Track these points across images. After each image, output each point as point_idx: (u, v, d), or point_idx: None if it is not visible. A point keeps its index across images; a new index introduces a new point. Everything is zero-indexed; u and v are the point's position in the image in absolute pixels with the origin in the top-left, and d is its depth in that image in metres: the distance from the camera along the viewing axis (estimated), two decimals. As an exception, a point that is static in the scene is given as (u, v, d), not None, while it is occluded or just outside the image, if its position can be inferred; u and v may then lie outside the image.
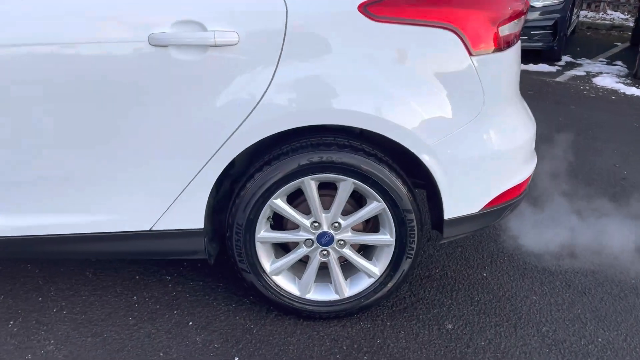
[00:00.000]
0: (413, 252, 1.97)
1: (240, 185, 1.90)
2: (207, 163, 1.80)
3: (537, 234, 2.74)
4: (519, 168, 2.04)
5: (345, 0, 1.71)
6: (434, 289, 2.31)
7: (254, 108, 1.74)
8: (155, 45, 1.67)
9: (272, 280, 2.00)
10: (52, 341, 1.92)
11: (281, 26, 1.70)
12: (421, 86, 1.79)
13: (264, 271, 1.99)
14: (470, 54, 1.78)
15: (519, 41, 2.03)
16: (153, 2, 1.69)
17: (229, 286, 2.25)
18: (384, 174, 1.85)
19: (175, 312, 2.10)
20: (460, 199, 1.94)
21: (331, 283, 2.04)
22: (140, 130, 1.77)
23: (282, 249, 2.12)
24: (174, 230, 1.91)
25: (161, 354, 1.89)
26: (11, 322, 2.01)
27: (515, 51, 1.96)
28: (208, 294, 2.20)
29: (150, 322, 2.03)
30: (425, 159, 1.83)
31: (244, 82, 1.73)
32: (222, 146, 1.78)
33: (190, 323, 2.04)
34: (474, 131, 1.87)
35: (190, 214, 1.89)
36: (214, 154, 1.79)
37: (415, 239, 1.95)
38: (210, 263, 2.03)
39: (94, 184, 1.83)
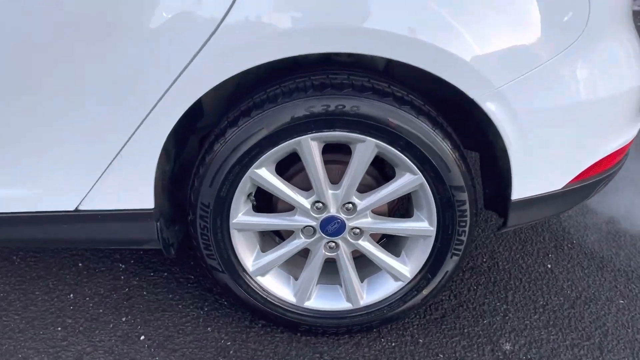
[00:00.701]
0: (462, 248, 1.34)
1: (206, 148, 1.27)
2: (147, 116, 1.17)
3: (618, 211, 2.08)
4: (625, 124, 1.37)
5: None
6: (482, 288, 1.69)
7: (217, 27, 1.08)
8: None
9: (256, 282, 1.40)
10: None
11: None
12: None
13: (244, 270, 1.38)
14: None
15: None
16: None
17: (202, 279, 1.66)
18: (425, 132, 1.20)
19: (124, 318, 1.51)
20: (539, 172, 1.29)
21: (341, 286, 1.43)
22: (37, 69, 1.13)
23: (278, 236, 1.51)
24: (109, 211, 1.30)
25: (95, 388, 1.32)
26: None
27: None
28: (173, 291, 1.61)
29: (86, 335, 1.45)
30: (490, 109, 1.17)
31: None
32: (169, 88, 1.14)
33: (143, 337, 1.46)
34: (568, 66, 1.19)
35: (129, 190, 1.27)
36: (158, 102, 1.15)
37: (467, 228, 1.32)
38: (169, 255, 1.42)
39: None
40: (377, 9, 1.09)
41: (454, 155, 1.23)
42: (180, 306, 1.56)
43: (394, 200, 1.37)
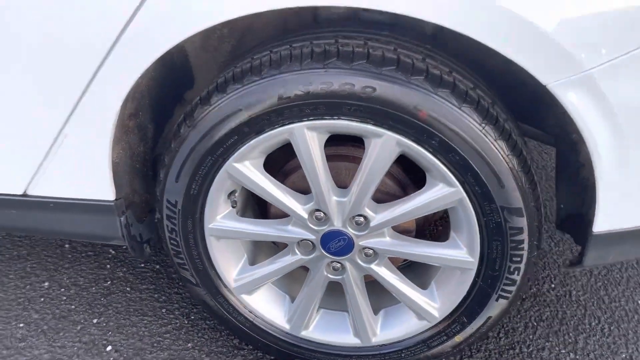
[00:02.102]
0: (513, 290, 0.97)
1: (174, 131, 0.96)
2: (88, 86, 0.87)
3: None
4: None
5: None
6: (545, 325, 1.30)
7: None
8: None
9: (239, 301, 1.10)
10: None
11: None
12: None
13: (224, 285, 1.08)
14: None
15: None
16: None
17: (197, 278, 1.39)
18: (469, 128, 0.83)
19: (95, 320, 1.28)
20: (636, 195, 0.88)
21: (349, 314, 1.10)
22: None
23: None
24: (59, 199, 1.04)
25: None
26: None
27: None
28: (160, 290, 1.36)
29: (48, 337, 1.23)
30: (572, 101, 0.77)
31: None
32: (110, 50, 0.83)
33: (110, 348, 1.21)
34: None
35: (80, 176, 1.00)
36: (98, 69, 0.85)
37: (522, 265, 0.94)
38: (141, 257, 1.15)
39: None
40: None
41: (511, 164, 0.85)
42: (163, 310, 1.30)
43: (428, 216, 1.01)
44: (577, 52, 0.74)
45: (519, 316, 1.33)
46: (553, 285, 1.42)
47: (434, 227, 1.37)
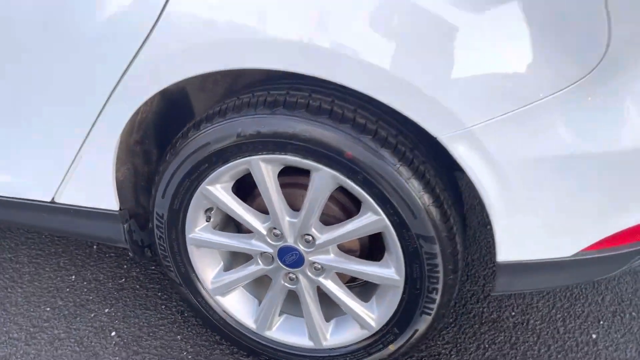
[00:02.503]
0: (433, 308, 1.13)
1: (163, 157, 1.20)
2: (96, 119, 1.13)
3: None
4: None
5: None
6: (495, 348, 1.43)
7: (148, 34, 1.00)
8: None
9: (214, 301, 1.32)
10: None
11: None
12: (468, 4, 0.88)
13: (203, 287, 1.30)
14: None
15: None
16: None
17: (197, 282, 1.61)
18: (385, 168, 1.01)
19: (106, 310, 1.53)
20: (533, 234, 1.03)
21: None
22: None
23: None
24: (78, 207, 1.30)
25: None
26: None
27: None
28: (164, 289, 1.59)
29: (67, 321, 1.49)
30: (460, 152, 0.95)
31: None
32: (113, 91, 1.08)
33: (114, 334, 1.46)
34: (575, 106, 0.92)
35: (93, 190, 1.26)
36: (102, 109, 1.10)
37: (439, 286, 1.10)
38: (140, 258, 1.40)
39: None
40: (322, 23, 0.92)
41: (422, 200, 1.02)
42: (163, 307, 1.54)
43: (373, 236, 1.19)
44: (459, 111, 0.91)
45: (473, 338, 1.46)
46: (514, 313, 1.54)
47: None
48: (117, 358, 1.39)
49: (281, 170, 1.12)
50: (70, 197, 1.29)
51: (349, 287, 1.25)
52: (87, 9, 1.04)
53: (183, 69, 1.02)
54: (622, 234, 1.04)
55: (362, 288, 1.28)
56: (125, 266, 1.68)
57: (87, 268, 1.67)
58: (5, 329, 1.46)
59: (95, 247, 1.76)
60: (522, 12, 0.87)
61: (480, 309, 1.55)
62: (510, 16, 0.87)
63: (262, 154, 1.07)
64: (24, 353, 1.41)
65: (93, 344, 1.43)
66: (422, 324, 1.16)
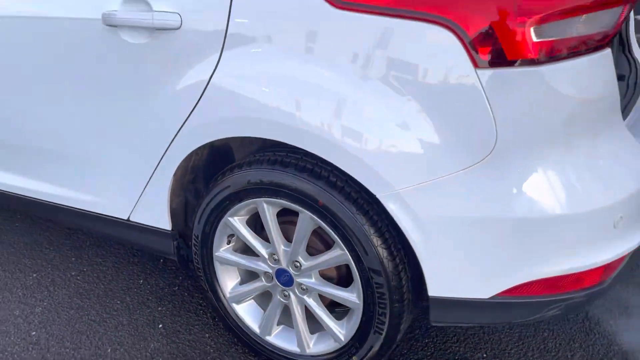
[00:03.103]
0: (383, 329, 1.44)
1: (202, 194, 1.65)
2: (159, 162, 1.60)
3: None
4: (574, 249, 1.29)
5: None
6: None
7: (194, 108, 1.46)
8: (110, 26, 1.51)
9: (231, 307, 1.71)
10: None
11: (225, 9, 1.36)
12: (394, 103, 1.24)
13: (224, 295, 1.71)
14: (476, 65, 1.15)
15: (607, 50, 1.24)
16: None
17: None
18: (348, 215, 1.37)
19: (160, 308, 1.98)
20: (455, 274, 1.33)
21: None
22: (110, 109, 1.65)
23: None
24: (144, 225, 1.77)
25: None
26: (34, 274, 2.18)
27: (575, 69, 1.20)
28: (204, 300, 2.02)
29: (127, 313, 1.96)
30: (392, 208, 1.29)
31: (182, 77, 1.46)
32: (169, 146, 1.55)
33: (160, 326, 1.90)
34: (474, 182, 1.23)
35: (155, 214, 1.72)
36: (164, 154, 1.58)
37: (387, 311, 1.42)
38: (185, 269, 1.83)
39: (73, 163, 1.81)
40: (298, 111, 1.32)
41: (374, 241, 1.36)
42: (201, 312, 1.96)
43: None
44: (390, 178, 1.26)
45: None
46: (485, 355, 1.78)
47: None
48: (158, 344, 1.82)
49: (281, 210, 1.52)
50: (139, 217, 1.77)
51: (338, 310, 1.60)
52: (157, 88, 1.52)
53: (210, 133, 1.46)
54: (531, 284, 1.31)
55: (345, 311, 1.61)
56: (180, 277, 2.13)
57: (152, 276, 2.15)
58: (86, 312, 1.96)
59: (162, 260, 2.24)
60: (437, 114, 1.22)
61: (457, 348, 1.80)
62: (428, 119, 1.22)
63: (264, 197, 1.48)
64: (95, 332, 1.88)
65: (145, 331, 1.87)
66: (376, 342, 1.47)
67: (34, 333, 1.87)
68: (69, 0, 1.60)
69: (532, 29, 1.12)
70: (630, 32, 1.59)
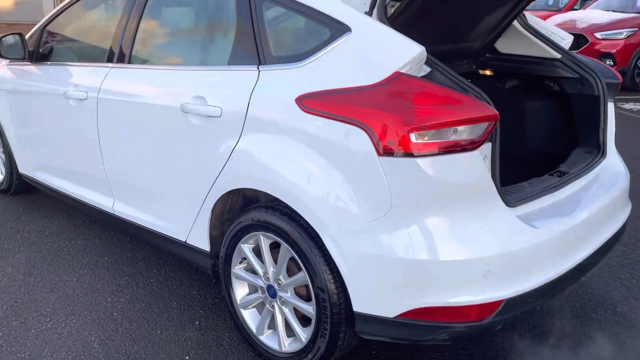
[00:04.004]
0: (327, 334, 2.02)
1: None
2: (204, 200, 2.37)
3: None
4: (450, 288, 1.80)
5: (289, 93, 2.00)
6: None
7: (223, 167, 2.22)
8: (183, 112, 2.35)
9: (239, 311, 2.38)
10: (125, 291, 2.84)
11: (243, 107, 2.13)
12: (333, 174, 1.89)
13: (236, 302, 2.39)
14: (379, 153, 1.78)
15: (476, 152, 1.79)
16: (182, 86, 2.39)
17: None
18: (306, 246, 2.00)
19: (200, 311, 2.70)
20: (369, 296, 1.89)
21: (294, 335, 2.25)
22: (178, 163, 2.47)
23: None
24: (193, 246, 2.54)
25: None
26: (124, 276, 3.02)
27: (447, 162, 1.76)
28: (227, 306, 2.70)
29: (180, 313, 2.71)
30: (329, 245, 1.91)
31: (218, 146, 2.23)
32: (209, 190, 2.32)
33: (197, 322, 2.61)
34: (380, 231, 1.82)
35: (199, 238, 2.48)
36: (207, 195, 2.34)
37: (329, 320, 2.00)
38: (218, 282, 2.55)
39: (156, 199, 2.66)
40: (274, 173, 2.02)
41: (322, 268, 1.97)
42: (228, 317, 2.64)
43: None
44: (327, 223, 1.89)
45: (388, 386, 2.21)
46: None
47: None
48: (192, 334, 2.53)
49: (274, 242, 2.19)
50: (191, 240, 2.54)
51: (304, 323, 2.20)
52: (206, 151, 2.31)
53: (231, 184, 2.20)
54: (421, 310, 1.83)
55: (308, 322, 2.20)
56: (222, 294, 2.85)
57: (204, 289, 2.89)
58: (152, 307, 2.74)
59: (213, 280, 2.98)
60: (356, 183, 1.84)
61: (407, 373, 2.28)
62: (350, 186, 1.85)
63: (261, 232, 2.17)
64: (154, 320, 2.64)
65: (185, 324, 2.59)
66: (322, 344, 2.05)
67: (115, 314, 2.69)
68: (162, 93, 2.48)
69: (412, 134, 1.73)
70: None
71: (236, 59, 2.27)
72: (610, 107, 2.61)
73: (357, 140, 1.82)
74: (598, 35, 8.81)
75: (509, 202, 1.93)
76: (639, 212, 3.64)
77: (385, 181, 1.78)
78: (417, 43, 1.84)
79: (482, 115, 1.77)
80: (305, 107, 1.94)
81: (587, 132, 2.62)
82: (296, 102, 1.97)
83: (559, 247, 1.97)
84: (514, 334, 2.46)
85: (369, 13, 1.98)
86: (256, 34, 2.19)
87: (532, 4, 12.39)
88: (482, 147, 1.81)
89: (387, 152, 1.77)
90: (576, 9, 11.44)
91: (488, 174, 1.83)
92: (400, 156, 1.76)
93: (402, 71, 1.82)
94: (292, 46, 2.16)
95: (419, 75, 1.87)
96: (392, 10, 2.16)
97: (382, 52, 1.88)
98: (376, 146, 1.78)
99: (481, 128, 1.78)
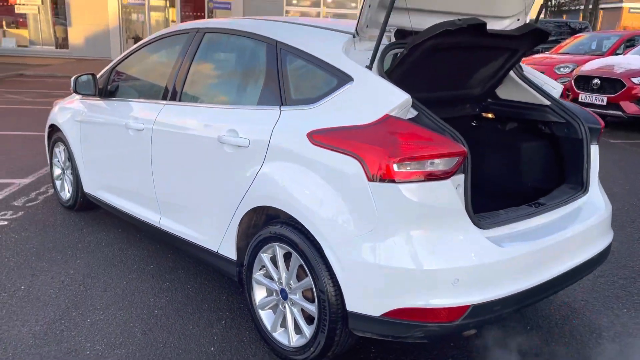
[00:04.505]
0: (326, 329, 2.41)
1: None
2: (233, 216, 2.84)
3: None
4: (425, 292, 2.17)
5: (302, 129, 2.46)
6: (386, 388, 2.51)
7: (248, 188, 2.69)
8: (219, 142, 2.85)
9: (258, 311, 2.80)
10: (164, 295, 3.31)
11: (266, 140, 2.60)
12: (333, 195, 2.32)
13: (255, 303, 2.81)
14: (368, 179, 2.20)
15: (448, 181, 2.18)
16: (220, 121, 2.89)
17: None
18: (311, 255, 2.42)
19: (227, 313, 3.14)
20: (359, 297, 2.28)
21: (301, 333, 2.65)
22: (213, 184, 2.96)
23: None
24: (224, 255, 3.00)
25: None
26: (166, 284, 3.51)
27: (424, 188, 2.16)
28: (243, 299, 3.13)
29: (208, 316, 3.15)
30: (328, 253, 2.32)
31: (246, 170, 2.71)
32: (237, 207, 2.79)
33: (224, 322, 3.05)
34: (368, 243, 2.23)
35: (228, 248, 2.94)
36: (235, 211, 2.81)
37: (327, 317, 2.39)
38: (243, 288, 2.99)
39: (194, 214, 3.15)
40: (287, 194, 2.46)
41: (323, 273, 2.38)
42: (249, 318, 3.06)
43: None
44: (327, 235, 2.30)
45: (380, 381, 2.56)
46: (414, 381, 2.58)
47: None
48: (217, 330, 2.96)
49: (287, 252, 2.62)
50: (222, 250, 3.00)
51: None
52: (237, 174, 2.79)
53: (255, 202, 2.66)
54: (401, 311, 2.20)
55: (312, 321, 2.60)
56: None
57: (233, 296, 3.33)
58: (187, 307, 3.19)
59: (240, 289, 3.42)
60: (351, 203, 2.26)
61: (398, 373, 2.63)
62: (346, 205, 2.28)
63: (277, 243, 2.61)
64: (188, 317, 3.09)
65: (213, 322, 3.03)
66: (322, 338, 2.44)
67: (156, 311, 3.16)
68: (203, 127, 3.00)
69: (395, 165, 2.15)
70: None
71: (263, 100, 2.76)
72: (594, 149, 2.94)
73: (352, 168, 2.25)
74: (635, 80, 8.97)
75: (481, 225, 2.30)
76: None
77: (373, 202, 2.20)
78: (404, 92, 2.28)
79: (453, 151, 2.18)
80: (314, 141, 2.40)
81: (573, 170, 2.96)
82: (307, 137, 2.43)
83: (523, 266, 2.32)
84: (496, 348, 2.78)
85: (369, 67, 2.43)
86: (280, 81, 2.69)
87: (576, 48, 12.69)
88: (454, 177, 2.21)
89: (375, 179, 2.19)
90: (619, 54, 11.59)
91: (458, 199, 2.21)
92: (385, 182, 2.17)
93: (391, 114, 2.25)
94: (307, 91, 2.63)
95: (406, 118, 2.29)
96: (392, 62, 2.59)
97: (376, 99, 2.32)
98: (366, 173, 2.21)
99: (452, 162, 2.18)
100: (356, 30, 2.53)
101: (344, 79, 2.44)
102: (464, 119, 3.41)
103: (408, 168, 2.16)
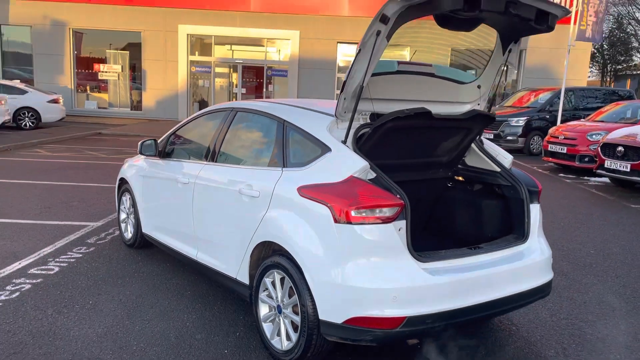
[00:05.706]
0: (305, 334, 3.23)
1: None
2: (247, 249, 3.75)
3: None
4: (372, 305, 2.96)
5: (294, 184, 3.38)
6: (351, 385, 3.26)
7: (257, 227, 3.61)
8: (239, 193, 3.81)
9: (261, 324, 3.65)
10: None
11: (270, 192, 3.54)
12: (311, 233, 3.20)
13: (260, 317, 3.66)
14: (335, 221, 3.07)
15: (390, 224, 3.01)
16: (241, 177, 3.86)
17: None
18: (298, 278, 3.27)
19: (240, 328, 3.99)
20: (328, 308, 3.10)
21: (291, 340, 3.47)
22: (234, 225, 3.90)
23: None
24: (240, 281, 3.89)
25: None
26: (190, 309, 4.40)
27: (373, 229, 2.99)
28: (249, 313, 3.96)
29: (224, 329, 4.02)
30: (307, 276, 3.17)
31: (256, 214, 3.64)
32: (249, 242, 3.70)
33: (238, 333, 3.90)
34: (332, 268, 3.07)
35: (244, 274, 3.84)
36: (248, 245, 3.72)
37: (306, 324, 3.21)
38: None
39: (221, 248, 4.08)
40: (281, 233, 3.35)
41: (305, 291, 3.21)
42: (257, 334, 3.90)
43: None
44: (305, 262, 3.16)
45: (349, 380, 3.32)
46: (375, 382, 3.32)
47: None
48: (231, 339, 3.81)
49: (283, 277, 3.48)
50: (239, 277, 3.90)
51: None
52: (249, 217, 3.71)
53: (260, 239, 3.57)
54: (356, 319, 3.00)
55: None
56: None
57: (248, 315, 4.19)
58: (210, 320, 4.07)
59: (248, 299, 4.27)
60: (321, 239, 3.13)
61: (364, 376, 3.37)
62: (319, 239, 3.15)
63: (275, 269, 3.48)
64: (212, 328, 3.95)
65: (229, 332, 3.89)
66: (302, 342, 3.25)
67: (188, 323, 4.06)
68: (229, 182, 3.97)
69: (352, 211, 3.01)
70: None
71: (272, 163, 3.72)
72: (534, 207, 3.69)
73: (324, 212, 3.13)
74: (656, 149, 9.41)
75: (420, 259, 3.10)
76: (606, 297, 4.46)
77: (337, 238, 3.06)
78: (365, 160, 3.17)
79: (394, 203, 3.02)
80: (301, 193, 3.31)
81: (517, 223, 3.71)
82: (297, 190, 3.34)
83: (449, 291, 3.07)
84: (449, 362, 3.48)
85: (344, 141, 3.34)
86: (284, 149, 3.64)
87: (612, 115, 13.13)
88: (396, 222, 3.04)
89: (339, 220, 3.06)
90: (651, 123, 11.98)
91: (399, 238, 3.04)
92: (345, 223, 3.03)
93: (354, 175, 3.14)
94: (300, 157, 3.56)
95: (367, 178, 3.17)
96: (364, 138, 3.49)
97: (344, 164, 3.22)
98: (334, 216, 3.08)
99: (393, 210, 3.02)
100: (335, 114, 3.47)
101: (325, 149, 3.36)
102: (441, 180, 4.24)
103: (363, 214, 3.02)
